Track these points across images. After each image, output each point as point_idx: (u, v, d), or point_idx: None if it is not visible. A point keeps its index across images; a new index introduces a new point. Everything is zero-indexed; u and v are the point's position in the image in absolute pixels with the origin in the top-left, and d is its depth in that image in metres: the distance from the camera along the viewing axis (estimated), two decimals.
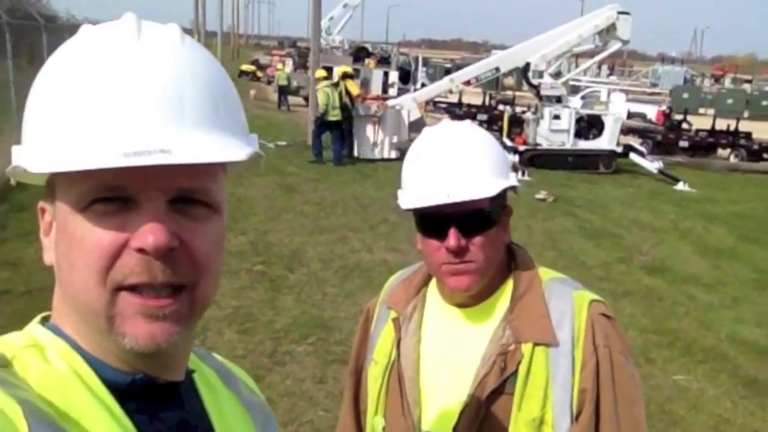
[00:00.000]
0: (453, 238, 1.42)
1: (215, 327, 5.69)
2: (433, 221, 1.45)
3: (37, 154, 0.72)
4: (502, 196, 1.50)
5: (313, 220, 9.78)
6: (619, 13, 15.91)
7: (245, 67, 41.99)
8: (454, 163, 1.45)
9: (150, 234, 0.71)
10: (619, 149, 16.41)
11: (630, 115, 25.31)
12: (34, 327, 0.81)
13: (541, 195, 12.30)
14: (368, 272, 7.49)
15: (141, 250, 0.71)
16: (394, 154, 15.49)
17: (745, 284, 8.37)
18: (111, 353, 0.77)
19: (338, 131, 14.63)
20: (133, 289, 0.73)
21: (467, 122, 1.57)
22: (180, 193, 0.74)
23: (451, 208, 1.41)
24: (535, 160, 15.58)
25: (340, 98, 14.86)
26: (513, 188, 1.52)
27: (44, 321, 0.82)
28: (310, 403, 4.67)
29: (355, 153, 15.58)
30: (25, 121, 0.76)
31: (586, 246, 9.54)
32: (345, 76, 15.48)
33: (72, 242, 0.74)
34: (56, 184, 0.76)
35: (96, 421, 0.72)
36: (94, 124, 0.70)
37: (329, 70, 19.51)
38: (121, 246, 0.72)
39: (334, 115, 14.52)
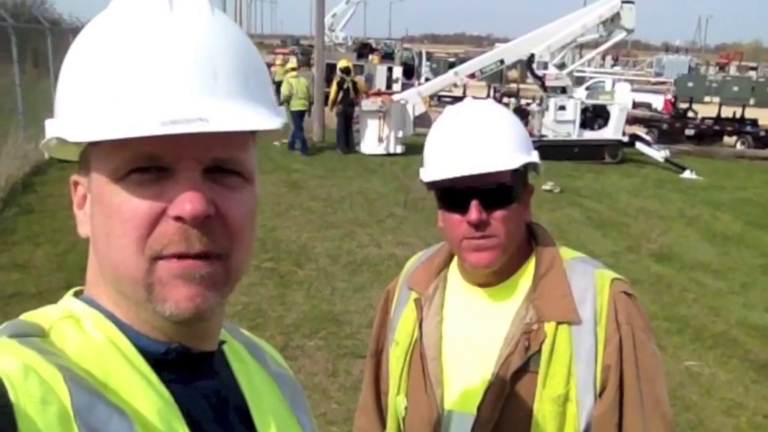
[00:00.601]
0: (475, 210, 1.43)
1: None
2: (455, 195, 1.46)
3: (75, 124, 0.73)
4: (523, 173, 1.51)
5: (320, 216, 9.80)
6: (624, 2, 15.83)
7: None
8: (476, 137, 1.46)
9: (187, 202, 0.72)
10: (625, 139, 16.36)
11: (635, 105, 25.19)
12: (68, 300, 0.82)
13: (548, 186, 12.28)
14: (377, 266, 7.50)
15: (178, 218, 0.73)
16: (399, 149, 15.49)
17: (754, 270, 8.36)
18: (147, 323, 0.78)
19: (299, 121, 15.16)
20: (169, 257, 0.74)
21: (489, 100, 1.59)
22: (215, 162, 0.75)
23: (472, 181, 1.42)
24: (540, 151, 15.32)
25: (346, 93, 15.30)
26: (534, 166, 1.53)
27: (77, 295, 0.83)
28: (323, 396, 4.69)
29: (362, 149, 15.60)
30: (60, 94, 0.77)
31: (593, 235, 9.53)
32: (344, 70, 15.72)
33: (109, 212, 0.74)
34: (91, 156, 0.77)
35: (133, 389, 0.73)
36: (131, 93, 0.71)
37: (332, 66, 19.53)
38: (158, 215, 0.73)
39: (296, 105, 15.07)
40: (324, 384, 4.88)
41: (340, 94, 15.66)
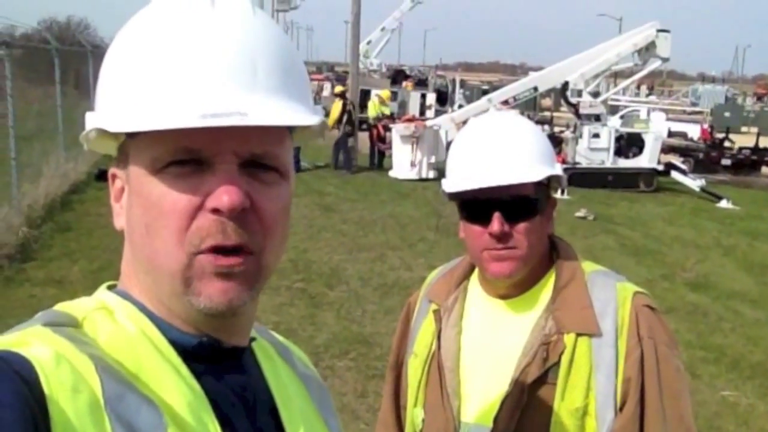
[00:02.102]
0: (497, 222, 1.42)
1: None
2: (477, 206, 1.45)
3: (116, 116, 0.74)
4: (546, 185, 1.50)
5: (351, 238, 9.82)
6: (659, 30, 15.77)
7: None
8: (498, 149, 1.45)
9: (225, 194, 0.73)
10: (660, 167, 16.20)
11: (671, 134, 24.95)
12: (101, 292, 0.83)
13: (581, 213, 12.18)
14: (407, 289, 7.46)
15: (216, 211, 0.73)
16: (432, 174, 15.51)
17: None
18: (179, 316, 0.79)
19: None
20: (207, 251, 0.74)
21: (513, 111, 1.59)
22: (252, 157, 0.75)
23: (495, 193, 1.41)
24: (574, 178, 15.45)
25: (349, 115, 16.29)
26: (558, 179, 1.52)
27: (110, 288, 0.84)
28: (351, 417, 4.67)
29: (394, 173, 15.70)
30: (102, 87, 0.79)
31: (627, 263, 9.40)
32: (340, 94, 16.84)
33: (148, 204, 0.75)
34: (130, 148, 0.78)
35: (164, 380, 0.73)
36: (172, 87, 0.72)
37: (367, 93, 19.76)
38: (196, 208, 0.74)
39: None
40: (353, 405, 4.85)
41: (345, 116, 16.15)
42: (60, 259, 7.72)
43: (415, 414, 1.60)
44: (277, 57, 0.77)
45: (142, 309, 0.79)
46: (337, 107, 16.19)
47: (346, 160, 16.14)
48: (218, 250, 0.74)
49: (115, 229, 0.83)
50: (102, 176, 11.50)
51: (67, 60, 13.23)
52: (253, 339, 0.89)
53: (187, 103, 0.71)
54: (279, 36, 0.80)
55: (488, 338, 1.53)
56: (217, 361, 0.81)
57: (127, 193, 0.80)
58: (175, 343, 0.77)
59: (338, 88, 17.73)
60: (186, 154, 0.74)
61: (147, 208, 0.76)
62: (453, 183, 1.50)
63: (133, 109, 0.73)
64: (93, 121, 0.77)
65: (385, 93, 18.21)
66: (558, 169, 1.52)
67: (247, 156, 0.75)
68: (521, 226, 1.44)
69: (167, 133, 0.70)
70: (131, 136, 0.76)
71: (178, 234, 0.74)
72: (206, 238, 0.74)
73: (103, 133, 0.76)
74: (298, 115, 0.75)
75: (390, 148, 16.43)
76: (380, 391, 4.92)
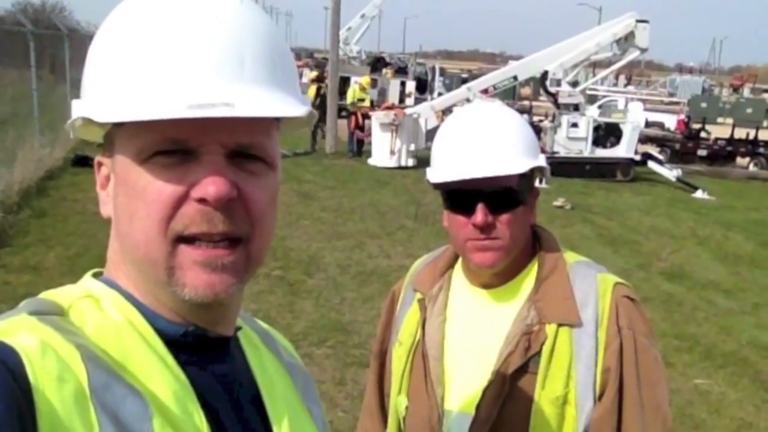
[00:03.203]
0: (480, 213, 1.43)
1: None
2: (461, 197, 1.46)
3: (102, 105, 0.74)
4: (530, 176, 1.51)
5: (330, 226, 9.81)
6: (638, 21, 15.84)
7: None
8: (484, 140, 1.46)
9: (211, 184, 0.73)
10: (637, 157, 16.33)
11: (648, 124, 25.15)
12: (87, 280, 0.82)
13: (559, 202, 12.26)
14: (386, 277, 7.48)
15: (202, 200, 0.73)
16: (411, 162, 15.52)
17: (766, 290, 8.28)
18: (165, 305, 0.79)
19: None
20: (192, 241, 0.74)
21: (497, 102, 1.59)
22: (238, 147, 0.75)
23: (479, 184, 1.42)
24: (552, 168, 15.37)
25: (323, 98, 16.82)
26: (541, 170, 1.54)
27: (96, 276, 0.84)
28: (330, 405, 4.68)
29: (373, 161, 15.70)
30: (88, 75, 0.78)
31: (604, 252, 9.49)
32: (313, 80, 17.46)
33: (133, 193, 0.75)
34: (116, 137, 0.78)
35: (150, 370, 0.73)
36: (158, 76, 0.72)
37: (347, 80, 19.71)
38: (181, 197, 0.74)
39: None
40: (331, 392, 4.86)
41: (318, 100, 16.53)
42: (35, 246, 7.63)
43: (398, 401, 1.62)
44: (265, 46, 0.77)
45: (129, 298, 0.79)
46: (312, 91, 16.23)
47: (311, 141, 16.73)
48: (204, 239, 0.74)
49: (103, 217, 0.82)
50: (79, 162, 11.38)
51: (43, 43, 13.03)
52: (238, 328, 0.89)
53: (173, 94, 0.70)
54: (267, 25, 0.80)
55: (472, 327, 1.55)
56: (203, 350, 0.81)
57: (113, 182, 0.80)
58: (161, 333, 0.77)
59: (311, 74, 17.82)
60: (172, 145, 0.73)
61: (132, 197, 0.75)
62: (438, 173, 1.50)
63: (119, 99, 0.73)
64: (79, 109, 0.77)
65: (365, 80, 18.18)
66: (542, 161, 1.53)
67: (233, 146, 0.75)
68: (504, 216, 1.45)
69: (153, 123, 0.70)
70: (118, 124, 0.75)
71: (160, 223, 0.74)
72: (190, 226, 0.74)
73: (89, 121, 0.75)
74: (285, 106, 0.75)
75: (369, 136, 16.41)
76: (358, 378, 4.97)
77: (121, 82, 0.73)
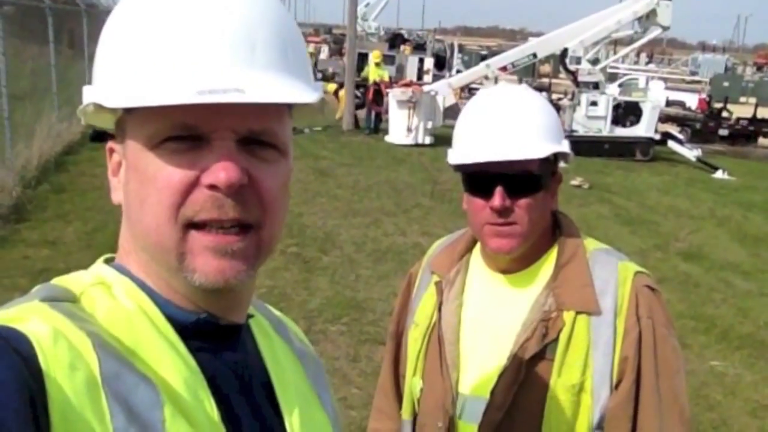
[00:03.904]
0: (498, 197, 1.41)
1: None
2: (480, 180, 1.45)
3: (113, 91, 0.74)
4: (552, 161, 1.49)
5: (346, 203, 9.82)
6: None
7: None
8: (505, 123, 1.44)
9: (222, 170, 0.72)
10: (657, 137, 16.17)
11: (669, 103, 24.86)
12: (99, 266, 0.82)
13: (576, 181, 12.18)
14: (401, 255, 7.50)
15: (212, 187, 0.73)
16: (428, 140, 15.46)
17: None
18: (177, 292, 0.79)
19: None
20: (202, 227, 0.74)
21: (523, 85, 1.57)
22: (250, 134, 0.75)
23: (498, 167, 1.41)
24: (571, 146, 15.31)
25: None
26: (564, 156, 1.51)
27: (108, 262, 0.84)
28: (343, 381, 4.71)
29: (390, 138, 15.66)
30: (100, 61, 0.78)
31: (621, 232, 9.44)
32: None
33: (144, 179, 0.75)
34: (127, 123, 0.77)
35: (161, 357, 0.73)
36: (169, 62, 0.71)
37: (365, 56, 19.59)
38: (192, 183, 0.73)
39: None
40: (345, 369, 4.89)
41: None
42: (54, 220, 7.70)
43: (413, 383, 1.62)
44: (276, 32, 0.76)
45: (140, 285, 0.79)
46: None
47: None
48: (215, 225, 0.74)
49: (113, 203, 0.82)
50: (97, 137, 11.42)
51: (61, 19, 13.05)
52: (250, 316, 0.89)
53: (184, 80, 0.70)
54: (278, 10, 0.79)
55: (488, 312, 1.54)
56: (214, 338, 0.81)
57: (124, 168, 0.79)
58: (172, 320, 0.77)
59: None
60: (183, 130, 0.73)
61: (142, 183, 0.75)
62: (457, 155, 1.49)
63: (130, 85, 0.72)
64: (90, 95, 0.77)
65: (376, 54, 17.93)
66: (565, 146, 1.50)
67: (245, 133, 0.74)
68: (523, 201, 1.43)
69: (164, 109, 0.70)
70: (128, 111, 0.75)
71: (171, 209, 0.74)
72: (200, 212, 0.73)
73: (100, 107, 0.75)
74: (296, 92, 0.75)
75: (386, 112, 16.33)
76: (372, 355, 4.99)
77: (132, 68, 0.73)
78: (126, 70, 0.73)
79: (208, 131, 0.73)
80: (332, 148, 14.44)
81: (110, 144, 0.82)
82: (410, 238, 8.24)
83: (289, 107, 0.81)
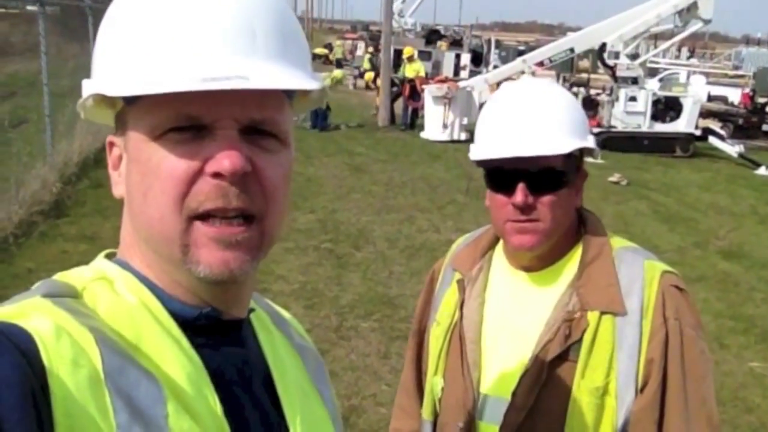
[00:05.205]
0: (520, 194, 1.39)
1: (282, 302, 5.77)
2: (502, 176, 1.42)
3: (114, 81, 0.74)
4: (577, 157, 1.46)
5: (380, 199, 9.82)
6: None
7: (318, 50, 42.08)
8: (527, 117, 1.41)
9: (226, 158, 0.72)
10: (698, 132, 15.87)
11: (710, 98, 24.38)
12: (101, 261, 0.82)
13: (614, 178, 12.02)
14: (434, 252, 7.46)
15: (216, 175, 0.73)
16: (463, 136, 15.39)
17: None
18: (180, 286, 0.79)
19: None
20: (206, 218, 0.74)
21: (548, 79, 1.54)
22: (252, 123, 0.75)
23: (521, 163, 1.38)
24: (609, 142, 15.19)
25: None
26: (590, 151, 1.48)
27: (109, 257, 0.84)
28: (373, 378, 4.71)
29: (425, 134, 15.61)
30: (99, 52, 0.78)
31: (659, 230, 9.29)
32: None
33: (146, 171, 0.75)
34: (128, 115, 0.77)
35: (164, 352, 0.73)
36: (171, 51, 0.71)
37: (399, 52, 19.57)
38: (195, 173, 0.73)
39: None
40: (375, 366, 4.89)
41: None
42: (92, 216, 7.83)
43: (434, 382, 1.60)
44: (275, 21, 0.76)
45: (143, 279, 0.79)
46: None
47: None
48: (219, 215, 0.74)
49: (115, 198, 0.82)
50: None
51: (101, 17, 13.24)
52: (252, 310, 0.89)
53: (186, 68, 0.70)
54: (278, 1, 0.79)
55: (511, 311, 1.51)
56: (217, 332, 0.81)
57: (125, 161, 0.79)
58: (175, 315, 0.77)
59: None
60: (186, 121, 0.73)
61: (145, 174, 0.75)
62: (479, 150, 1.47)
63: (132, 74, 0.72)
64: (90, 87, 0.76)
65: (408, 50, 17.90)
66: (590, 141, 1.46)
67: (246, 122, 0.74)
68: (546, 198, 1.40)
69: (167, 99, 0.70)
70: (130, 102, 0.75)
71: (175, 200, 0.73)
72: (205, 202, 0.73)
73: (100, 100, 0.75)
74: (298, 79, 0.75)
75: (422, 108, 16.29)
76: (403, 353, 4.94)
77: (134, 57, 0.73)
78: (127, 61, 0.73)
79: (211, 121, 0.73)
80: (367, 144, 14.45)
81: (110, 138, 0.83)
82: (444, 234, 8.20)
83: (289, 98, 0.81)
